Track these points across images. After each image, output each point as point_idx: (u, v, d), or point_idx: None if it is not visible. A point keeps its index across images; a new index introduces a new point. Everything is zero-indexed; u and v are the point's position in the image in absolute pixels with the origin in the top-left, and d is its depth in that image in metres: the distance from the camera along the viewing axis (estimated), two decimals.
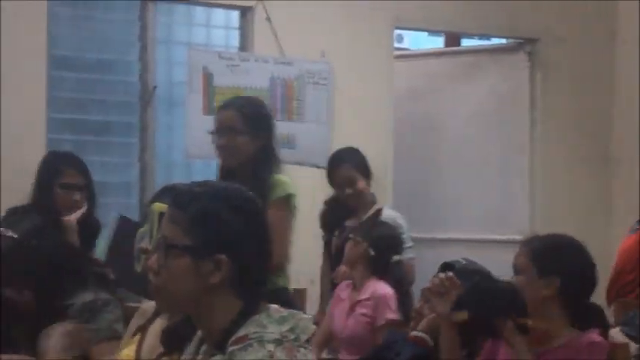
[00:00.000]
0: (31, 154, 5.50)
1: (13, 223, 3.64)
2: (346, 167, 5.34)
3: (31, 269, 3.23)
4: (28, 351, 3.13)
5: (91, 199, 4.86)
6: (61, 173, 4.76)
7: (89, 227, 4.77)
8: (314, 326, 2.50)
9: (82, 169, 4.83)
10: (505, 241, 6.61)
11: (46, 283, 3.17)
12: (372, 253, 4.80)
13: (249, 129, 4.01)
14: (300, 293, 5.14)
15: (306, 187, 5.74)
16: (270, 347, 2.07)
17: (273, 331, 2.11)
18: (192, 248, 2.16)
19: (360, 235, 4.87)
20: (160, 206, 3.07)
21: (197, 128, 6.14)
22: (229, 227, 2.17)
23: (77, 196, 4.69)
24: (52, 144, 5.92)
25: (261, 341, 2.08)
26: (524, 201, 7.26)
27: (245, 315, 2.17)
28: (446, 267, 3.73)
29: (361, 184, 5.33)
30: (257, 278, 2.20)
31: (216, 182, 2.57)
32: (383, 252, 4.84)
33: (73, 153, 5.12)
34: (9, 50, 5.89)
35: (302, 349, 2.12)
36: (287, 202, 4.07)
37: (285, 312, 2.20)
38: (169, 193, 2.87)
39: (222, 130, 4.08)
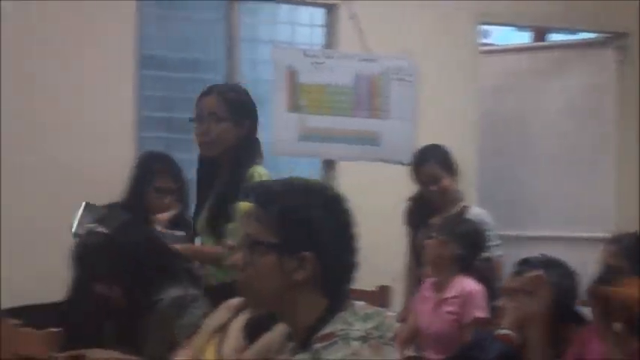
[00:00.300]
0: (121, 152, 5.72)
1: (105, 219, 3.73)
2: (431, 164, 5.23)
3: (121, 265, 3.28)
4: (119, 346, 3.17)
5: (183, 200, 4.95)
6: (154, 177, 4.85)
7: (180, 226, 4.78)
8: (398, 324, 2.54)
9: (176, 173, 4.93)
10: (592, 238, 6.39)
11: (135, 278, 3.23)
12: (458, 251, 4.70)
13: (231, 116, 3.77)
14: (385, 290, 4.90)
15: (391, 185, 6.04)
16: (356, 345, 2.05)
17: (359, 328, 2.09)
18: (277, 245, 2.16)
19: (445, 233, 4.76)
20: (245, 205, 2.97)
21: (282, 126, 6.35)
22: (314, 225, 2.17)
23: (168, 200, 4.78)
24: (141, 142, 6.01)
25: (346, 339, 2.06)
26: (611, 198, 7.07)
27: (330, 313, 2.15)
28: (523, 263, 3.72)
29: (446, 181, 5.22)
30: (342, 276, 2.18)
31: (301, 180, 2.44)
32: (468, 249, 4.74)
33: (168, 155, 5.21)
34: (100, 50, 5.96)
35: (387, 347, 2.11)
36: None
37: (370, 309, 2.18)
38: (254, 190, 2.89)
39: (202, 117, 3.83)
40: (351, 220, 2.25)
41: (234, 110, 3.75)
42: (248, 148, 3.87)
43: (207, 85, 4.25)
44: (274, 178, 2.94)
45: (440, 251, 4.73)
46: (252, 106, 4.10)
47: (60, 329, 3.74)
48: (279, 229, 2.21)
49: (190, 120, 3.92)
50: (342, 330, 2.10)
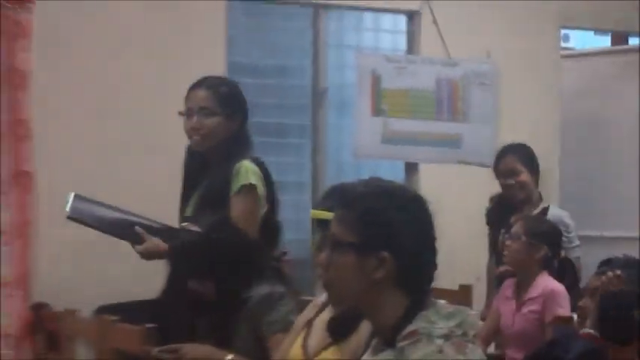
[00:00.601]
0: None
1: (197, 218, 3.78)
2: (510, 158, 5.26)
3: (214, 262, 3.32)
4: (211, 341, 3.26)
5: (272, 200, 4.78)
6: None
7: (269, 226, 4.65)
8: (480, 322, 2.54)
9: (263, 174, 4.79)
10: None
11: (226, 275, 3.26)
12: (540, 251, 4.69)
13: (222, 110, 3.65)
14: (466, 289, 5.08)
15: (472, 186, 6.11)
16: (439, 342, 2.07)
17: (442, 326, 2.10)
18: (355, 245, 2.18)
19: (527, 234, 4.72)
20: (314, 213, 3.04)
21: (366, 129, 6.33)
22: (392, 225, 2.19)
23: None
24: None
25: (430, 336, 2.07)
26: None
27: (412, 311, 2.16)
28: (605, 263, 3.70)
29: (524, 176, 5.21)
30: (422, 275, 2.20)
31: (382, 181, 2.45)
32: (549, 250, 4.73)
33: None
34: (192, 57, 5.93)
35: (470, 345, 2.11)
36: (246, 192, 3.61)
37: (452, 308, 2.19)
38: (337, 192, 2.88)
39: (193, 111, 3.71)
40: (431, 221, 2.26)
41: (226, 104, 3.65)
42: (238, 143, 3.77)
43: (199, 78, 4.16)
44: (358, 180, 2.68)
45: (522, 252, 4.70)
46: (243, 100, 3.99)
47: (154, 325, 3.82)
48: (359, 229, 2.23)
49: (180, 113, 3.82)
50: (425, 328, 2.11)
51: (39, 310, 5.04)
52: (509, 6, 6.65)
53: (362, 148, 6.31)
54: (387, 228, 2.19)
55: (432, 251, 2.23)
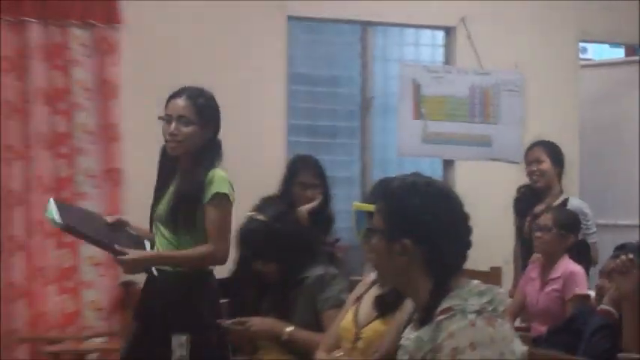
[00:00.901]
0: (273, 154, 5.85)
1: (262, 209, 3.75)
2: (537, 148, 5.25)
3: (276, 246, 3.33)
4: (274, 315, 3.37)
5: (325, 194, 4.91)
6: (298, 173, 4.89)
7: (323, 216, 4.88)
8: (509, 299, 2.54)
9: (317, 171, 4.94)
10: None
11: (287, 258, 3.29)
12: (563, 239, 4.74)
13: (198, 120, 3.52)
14: (496, 271, 5.11)
15: (501, 180, 6.11)
16: (472, 317, 2.09)
17: (474, 303, 2.12)
18: (383, 232, 2.22)
19: (552, 225, 4.77)
20: (356, 205, 3.08)
21: (407, 131, 6.33)
22: (416, 216, 2.19)
23: (309, 193, 4.78)
24: (291, 146, 6.11)
25: (463, 312, 2.09)
26: None
27: (438, 293, 2.18)
28: (620, 248, 3.70)
29: (545, 165, 5.20)
30: (448, 261, 2.20)
31: (418, 176, 2.42)
32: (570, 236, 4.77)
33: (311, 156, 5.19)
34: (256, 68, 5.98)
35: (499, 319, 2.13)
36: (221, 200, 3.50)
37: (483, 287, 2.19)
38: (378, 186, 2.97)
39: (172, 118, 3.57)
40: (459, 213, 2.25)
41: (201, 115, 3.52)
42: (210, 151, 3.65)
43: (180, 88, 3.98)
44: (398, 175, 2.66)
45: (553, 243, 4.74)
46: (217, 111, 3.86)
47: (227, 301, 3.90)
48: (387, 218, 2.26)
49: (160, 118, 3.67)
50: (459, 305, 2.13)
51: (127, 287, 5.10)
52: (534, 23, 6.62)
53: (404, 147, 6.32)
54: (410, 218, 2.20)
55: (459, 239, 2.23)
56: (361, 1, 6.20)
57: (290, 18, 5.98)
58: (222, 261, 3.49)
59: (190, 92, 3.66)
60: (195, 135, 3.47)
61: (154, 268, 3.62)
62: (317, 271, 3.33)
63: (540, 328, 4.53)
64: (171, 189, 3.55)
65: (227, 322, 3.48)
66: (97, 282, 5.09)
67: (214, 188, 3.42)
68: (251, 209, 3.84)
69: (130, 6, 5.44)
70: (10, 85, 4.90)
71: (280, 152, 5.89)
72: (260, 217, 3.66)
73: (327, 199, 4.90)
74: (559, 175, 5.33)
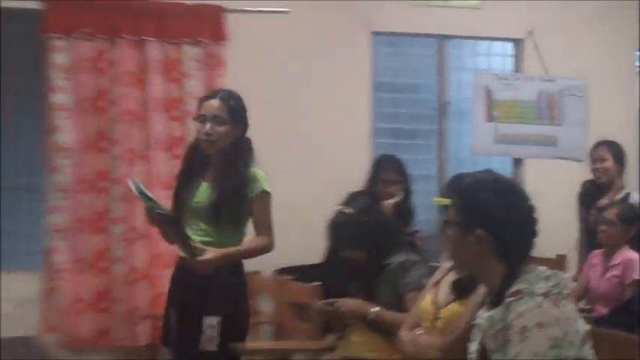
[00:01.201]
0: (360, 154, 5.86)
1: (350, 202, 3.75)
2: (601, 147, 5.15)
3: (363, 236, 3.32)
4: (361, 297, 3.35)
5: (406, 189, 4.94)
6: (382, 171, 4.92)
7: (405, 209, 4.90)
8: (573, 283, 2.50)
9: (399, 169, 4.96)
10: None
11: (373, 246, 3.28)
12: (625, 231, 4.68)
13: (231, 119, 3.44)
14: (562, 258, 5.12)
15: (566, 176, 6.04)
16: (539, 299, 2.07)
17: (541, 286, 2.09)
18: (458, 224, 2.22)
19: (618, 220, 4.73)
20: (436, 200, 3.06)
21: (480, 132, 6.30)
22: (489, 209, 2.18)
23: (392, 189, 4.79)
24: (376, 147, 6.14)
25: (531, 294, 2.07)
26: None
27: (509, 278, 2.16)
28: None
29: (608, 163, 5.13)
30: (518, 247, 2.18)
31: (489, 173, 2.44)
32: (631, 228, 4.69)
33: (395, 156, 5.20)
34: (345, 79, 6.00)
35: (564, 301, 2.10)
36: (267, 196, 3.44)
37: (549, 272, 2.16)
38: (453, 182, 2.92)
39: (206, 118, 3.49)
40: (526, 205, 2.23)
41: (233, 114, 3.45)
42: (244, 148, 3.54)
43: (213, 90, 4.05)
44: (472, 172, 2.65)
45: (617, 236, 4.71)
46: (245, 111, 3.77)
47: (320, 284, 4.07)
48: (462, 211, 2.25)
49: (194, 119, 3.61)
50: (527, 288, 2.10)
51: None
52: (596, 34, 6.51)
53: (477, 147, 6.29)
54: (482, 211, 2.19)
55: (526, 229, 2.20)
56: (438, 16, 6.17)
57: (374, 33, 5.99)
58: (271, 250, 3.49)
59: (223, 94, 3.61)
60: (228, 134, 3.43)
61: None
62: (399, 257, 3.31)
63: (602, 310, 4.46)
64: (206, 185, 3.46)
65: (319, 303, 3.49)
66: None
67: (260, 186, 3.39)
68: (339, 204, 3.83)
69: (233, 25, 5.46)
70: (131, 95, 5.01)
71: (366, 153, 5.91)
72: (348, 210, 3.64)
73: (407, 194, 4.95)
74: (620, 171, 5.23)
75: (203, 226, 3.43)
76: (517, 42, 6.40)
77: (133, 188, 3.38)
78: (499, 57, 6.65)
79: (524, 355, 2.07)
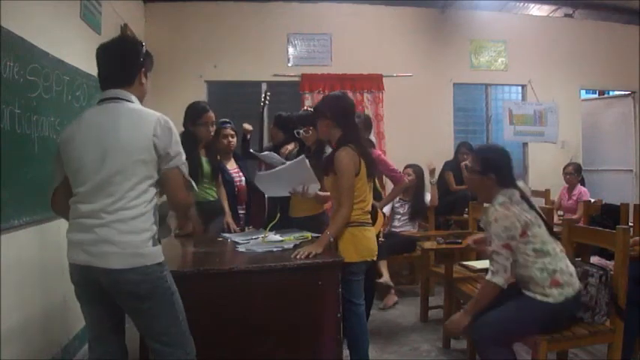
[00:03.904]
0: (449, 142, 7.27)
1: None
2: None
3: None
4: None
5: None
6: (461, 148, 6.16)
7: None
8: (518, 196, 2.84)
9: (469, 147, 5.97)
10: None
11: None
12: (575, 176, 5.49)
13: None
14: (548, 191, 6.07)
15: (549, 151, 7.55)
16: (497, 206, 2.58)
17: (499, 200, 2.63)
18: (477, 171, 2.64)
19: (571, 169, 5.55)
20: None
21: (507, 130, 7.50)
22: (493, 162, 2.66)
23: (465, 157, 5.67)
24: (456, 138, 7.26)
25: (495, 204, 2.59)
26: None
27: (499, 190, 2.59)
28: None
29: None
30: (509, 181, 2.65)
31: (490, 144, 2.80)
32: (573, 175, 5.59)
33: (467, 142, 6.31)
34: (441, 106, 7.25)
35: (511, 206, 2.57)
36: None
37: (509, 191, 2.64)
38: (476, 148, 3.24)
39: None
40: (508, 157, 2.68)
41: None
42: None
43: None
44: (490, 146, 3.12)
45: (571, 179, 5.57)
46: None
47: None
48: (479, 163, 2.67)
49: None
50: (495, 200, 2.62)
51: None
52: (562, 82, 7.74)
53: (506, 137, 7.55)
54: (491, 163, 2.63)
55: (510, 171, 2.70)
56: (485, 75, 7.49)
57: (454, 84, 7.42)
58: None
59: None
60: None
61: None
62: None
63: (572, 216, 5.24)
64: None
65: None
66: None
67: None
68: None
69: (386, 83, 7.01)
70: None
71: (451, 142, 7.27)
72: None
73: None
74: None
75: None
76: (524, 86, 7.85)
77: None
78: (515, 93, 7.88)
79: (494, 233, 2.65)
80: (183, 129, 4.03)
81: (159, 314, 2.45)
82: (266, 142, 5.28)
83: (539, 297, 2.85)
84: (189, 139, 3.85)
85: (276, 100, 6.15)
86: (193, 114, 4.02)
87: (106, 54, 2.52)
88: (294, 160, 3.46)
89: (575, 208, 5.55)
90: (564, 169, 6.02)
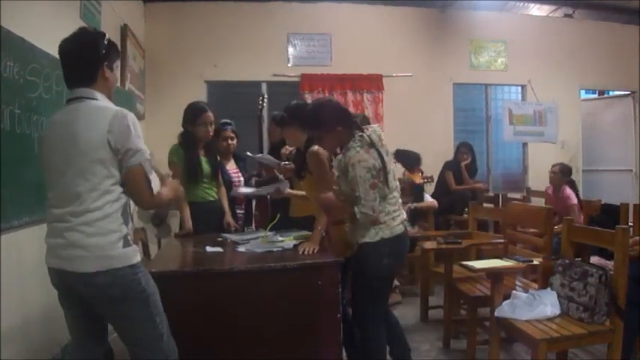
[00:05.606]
0: (449, 142, 7.31)
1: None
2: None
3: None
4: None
5: (473, 157, 5.57)
6: (461, 148, 6.22)
7: (473, 167, 6.06)
8: (378, 138, 2.87)
9: (469, 147, 6.19)
10: None
11: None
12: (560, 176, 5.37)
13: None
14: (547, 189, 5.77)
15: (548, 150, 7.53)
16: (358, 149, 2.64)
17: (358, 143, 2.65)
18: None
19: (557, 169, 5.46)
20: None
21: (506, 130, 7.51)
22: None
23: (465, 157, 5.99)
24: (456, 138, 7.22)
25: (354, 147, 2.62)
26: None
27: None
28: None
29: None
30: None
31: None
32: (563, 175, 5.47)
33: (467, 142, 6.43)
34: (441, 107, 7.27)
35: (370, 149, 2.64)
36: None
37: (365, 134, 2.69)
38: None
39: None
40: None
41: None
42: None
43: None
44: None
45: (556, 178, 5.48)
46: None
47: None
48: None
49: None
50: (351, 145, 2.67)
51: None
52: (562, 81, 7.75)
53: (506, 136, 7.66)
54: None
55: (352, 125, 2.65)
56: (486, 75, 7.53)
57: (454, 84, 7.49)
58: None
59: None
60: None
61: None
62: None
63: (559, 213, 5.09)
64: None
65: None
66: None
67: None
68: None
69: (385, 83, 7.04)
70: None
71: (450, 142, 7.32)
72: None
73: (473, 159, 6.17)
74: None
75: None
76: (523, 86, 7.89)
77: None
78: (514, 93, 7.92)
79: (355, 176, 2.69)
80: (182, 129, 4.09)
81: (133, 317, 2.41)
82: (265, 145, 5.38)
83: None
84: (188, 139, 3.94)
85: (275, 100, 6.20)
86: (192, 114, 4.05)
87: (64, 53, 2.47)
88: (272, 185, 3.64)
89: (564, 213, 5.33)
90: (552, 167, 5.92)
